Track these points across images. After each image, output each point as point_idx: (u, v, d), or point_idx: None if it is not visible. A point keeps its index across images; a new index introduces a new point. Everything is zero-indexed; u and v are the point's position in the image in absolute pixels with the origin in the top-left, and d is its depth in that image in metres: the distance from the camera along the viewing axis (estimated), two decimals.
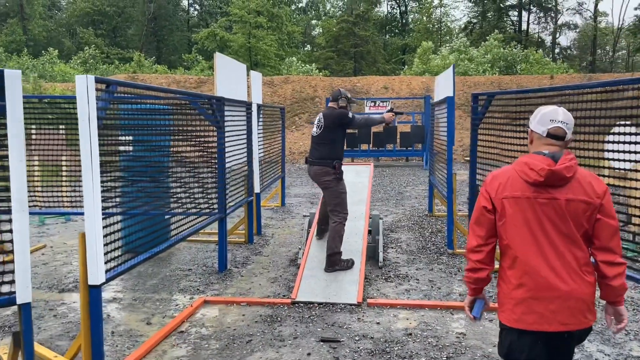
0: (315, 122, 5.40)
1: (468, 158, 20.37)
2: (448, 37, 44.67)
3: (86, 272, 3.25)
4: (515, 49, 30.13)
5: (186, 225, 4.82)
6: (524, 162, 2.22)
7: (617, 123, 3.83)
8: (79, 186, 4.72)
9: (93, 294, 3.26)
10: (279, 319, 4.34)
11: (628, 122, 3.65)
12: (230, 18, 38.66)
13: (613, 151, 3.66)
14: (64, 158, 6.98)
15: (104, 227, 3.31)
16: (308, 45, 50.37)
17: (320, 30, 48.46)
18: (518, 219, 2.19)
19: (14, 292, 2.72)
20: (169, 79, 24.59)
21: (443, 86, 7.31)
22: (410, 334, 4.01)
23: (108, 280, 3.36)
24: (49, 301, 4.84)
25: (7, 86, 2.66)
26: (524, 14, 44.95)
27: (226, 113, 5.80)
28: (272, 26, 38.39)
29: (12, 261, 2.74)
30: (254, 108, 7.17)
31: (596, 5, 41.48)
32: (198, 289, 5.11)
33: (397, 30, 50.77)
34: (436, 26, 45.89)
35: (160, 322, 4.30)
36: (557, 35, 46.06)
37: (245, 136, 6.74)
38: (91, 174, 3.18)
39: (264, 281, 5.37)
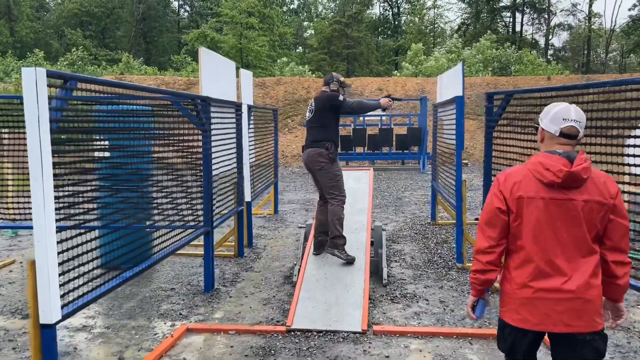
0: (308, 108, 5.31)
1: (466, 161, 19.76)
2: (440, 39, 44.29)
3: (37, 308, 2.67)
4: (509, 49, 29.73)
5: (165, 243, 4.24)
6: (539, 162, 2.19)
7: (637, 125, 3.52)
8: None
9: (46, 336, 2.67)
10: (272, 351, 3.76)
11: None
12: (221, 19, 38.01)
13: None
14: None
15: (59, 253, 2.73)
16: (300, 47, 49.78)
17: (312, 32, 47.90)
18: (531, 220, 2.17)
19: None
20: (158, 80, 23.89)
21: (448, 86, 6.77)
22: None
23: (65, 317, 2.78)
24: (9, 330, 4.22)
25: None
26: (517, 15, 44.68)
27: (213, 115, 5.23)
28: (264, 27, 37.78)
29: None
30: (244, 109, 6.60)
31: (590, 6, 41.26)
32: (181, 314, 4.52)
33: (389, 32, 50.35)
34: (429, 28, 45.50)
35: (134, 358, 3.71)
36: (550, 36, 45.86)
37: (234, 140, 6.15)
38: (41, 186, 2.59)
39: (255, 303, 4.78)
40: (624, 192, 3.38)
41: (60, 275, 2.72)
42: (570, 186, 2.13)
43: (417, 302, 4.74)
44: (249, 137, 6.97)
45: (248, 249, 6.77)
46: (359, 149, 16.69)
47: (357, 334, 4.01)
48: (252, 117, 7.37)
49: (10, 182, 6.66)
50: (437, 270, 5.72)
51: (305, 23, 51.41)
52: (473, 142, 19.17)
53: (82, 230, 2.98)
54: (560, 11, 56.54)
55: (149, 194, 4.16)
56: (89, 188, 3.14)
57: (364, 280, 4.74)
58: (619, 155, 3.97)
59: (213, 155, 5.20)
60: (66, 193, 2.91)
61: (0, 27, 41.06)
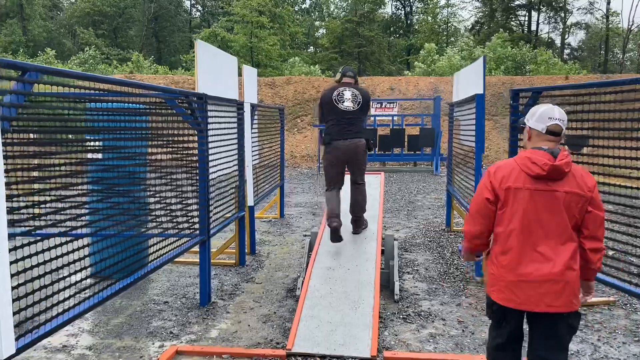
0: (348, 97, 5.03)
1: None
2: (454, 39, 43.56)
3: None
4: (524, 48, 28.99)
5: (153, 255, 3.82)
6: (526, 156, 2.43)
7: None
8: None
9: None
10: None
11: None
12: (232, 18, 37.74)
13: None
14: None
15: (12, 276, 2.32)
16: (311, 47, 49.31)
17: (324, 32, 47.42)
18: (517, 209, 2.41)
19: None
20: (168, 79, 23.63)
21: (467, 83, 6.29)
22: None
23: (21, 350, 2.37)
24: None
25: None
26: (534, 14, 43.80)
27: (210, 113, 4.81)
28: (275, 27, 37.42)
29: None
30: (247, 108, 6.18)
31: (608, 3, 40.24)
32: (172, 332, 4.11)
33: (401, 31, 49.71)
34: (442, 27, 44.80)
35: None
36: (566, 36, 44.90)
37: (235, 141, 5.73)
38: None
39: (253, 320, 4.36)
40: None
41: (14, 300, 2.32)
42: (554, 178, 2.37)
43: (433, 321, 4.28)
44: (252, 137, 6.55)
45: (250, 256, 6.35)
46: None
47: None
48: (256, 117, 6.96)
49: None
50: (454, 283, 5.25)
51: (317, 23, 50.93)
52: (488, 142, 18.58)
53: (38, 238, 2.56)
54: (577, 10, 55.45)
55: (135, 200, 3.75)
56: (55, 193, 2.73)
57: (374, 297, 4.28)
58: None
59: (210, 157, 4.79)
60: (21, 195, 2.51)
61: (13, 25, 41.19)
